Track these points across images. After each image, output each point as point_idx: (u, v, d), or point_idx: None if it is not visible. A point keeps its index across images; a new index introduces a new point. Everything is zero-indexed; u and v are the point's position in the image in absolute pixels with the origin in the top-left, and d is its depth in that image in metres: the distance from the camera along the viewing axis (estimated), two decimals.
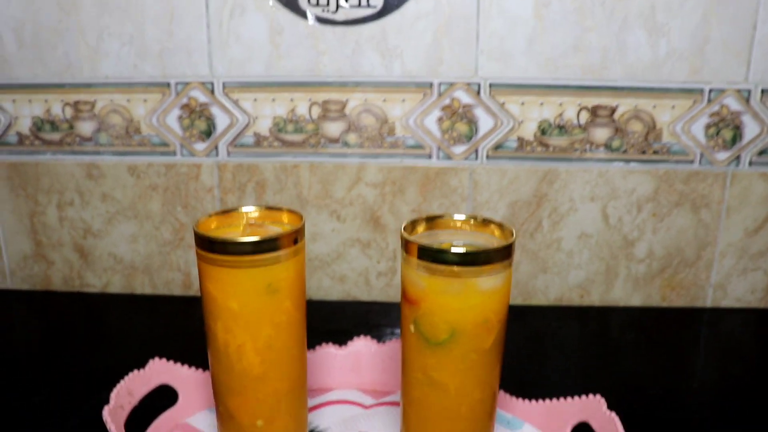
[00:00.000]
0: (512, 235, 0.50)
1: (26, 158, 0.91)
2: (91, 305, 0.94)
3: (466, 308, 0.48)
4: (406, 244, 0.49)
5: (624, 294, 0.91)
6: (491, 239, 0.52)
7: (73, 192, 0.91)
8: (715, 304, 0.92)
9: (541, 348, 0.82)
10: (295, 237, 0.50)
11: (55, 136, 0.89)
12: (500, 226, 0.52)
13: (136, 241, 0.93)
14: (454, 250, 0.47)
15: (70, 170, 0.90)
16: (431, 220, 0.53)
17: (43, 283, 0.97)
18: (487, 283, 0.48)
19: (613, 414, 0.58)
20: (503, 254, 0.48)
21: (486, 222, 0.53)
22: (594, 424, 0.60)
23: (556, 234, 0.89)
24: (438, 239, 0.53)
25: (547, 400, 0.64)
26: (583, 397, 0.61)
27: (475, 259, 0.47)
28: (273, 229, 0.52)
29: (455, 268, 0.47)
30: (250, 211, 0.55)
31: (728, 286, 0.91)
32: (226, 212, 0.54)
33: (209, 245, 0.49)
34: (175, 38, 0.84)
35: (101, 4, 0.83)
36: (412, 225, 0.52)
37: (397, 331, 0.84)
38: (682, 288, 0.91)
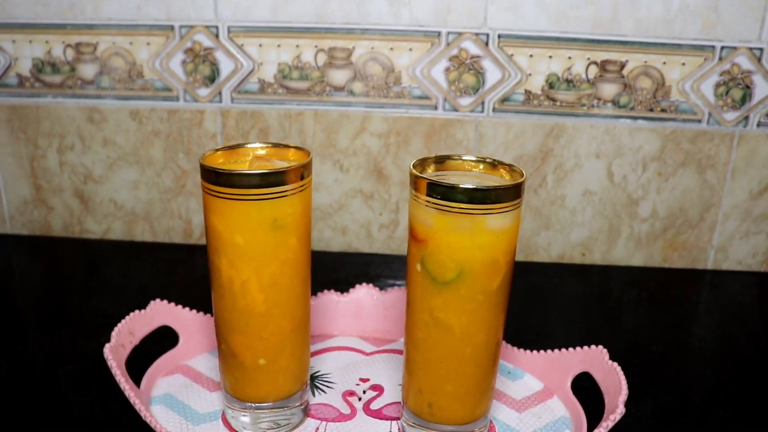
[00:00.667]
0: (522, 175, 0.49)
1: (26, 101, 0.89)
2: (91, 251, 0.93)
3: (474, 247, 0.47)
4: (415, 181, 0.48)
5: (626, 253, 0.91)
6: (501, 181, 0.51)
7: (74, 136, 0.90)
8: (716, 267, 0.92)
9: (542, 303, 0.82)
10: (302, 172, 0.50)
11: (56, 79, 0.88)
12: (510, 168, 0.52)
13: (137, 187, 0.92)
14: (463, 186, 0.46)
15: (71, 114, 0.89)
16: (441, 161, 0.53)
17: (43, 229, 0.96)
18: (496, 222, 0.47)
19: (615, 364, 0.58)
20: (513, 193, 0.47)
21: (495, 164, 0.52)
22: (596, 375, 0.60)
23: (560, 190, 0.88)
24: (447, 179, 0.52)
25: (549, 351, 0.64)
26: (585, 348, 0.61)
27: (485, 197, 0.46)
28: (280, 164, 0.51)
29: (464, 206, 0.46)
30: (257, 146, 0.54)
31: (730, 248, 0.90)
32: (232, 147, 0.53)
33: (215, 178, 0.48)
34: None
35: None
36: (422, 164, 0.52)
37: (399, 282, 0.84)
38: (684, 249, 0.91)
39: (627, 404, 0.54)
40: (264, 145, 0.54)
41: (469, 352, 0.51)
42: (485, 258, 0.48)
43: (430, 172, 0.52)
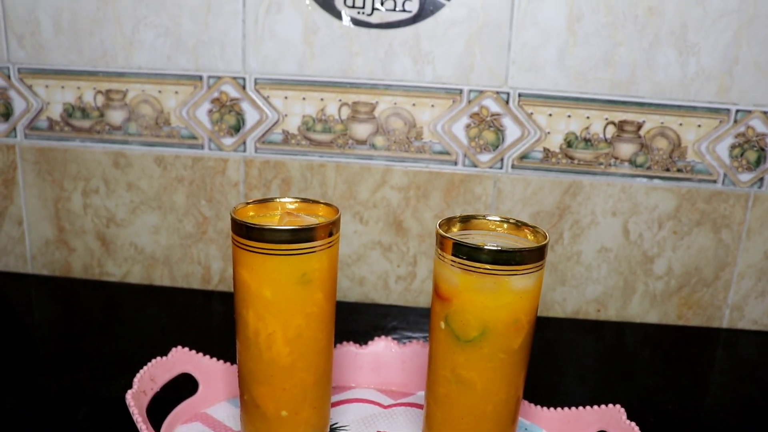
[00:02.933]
0: (545, 238, 0.50)
1: (55, 144, 0.91)
2: (109, 294, 0.94)
3: (497, 307, 0.48)
4: (441, 241, 0.50)
5: (641, 310, 0.92)
6: (523, 242, 0.53)
7: (99, 180, 0.92)
8: (731, 325, 0.92)
9: (558, 359, 0.82)
10: (331, 229, 0.51)
11: (85, 124, 0.90)
12: (533, 229, 0.53)
13: (158, 232, 0.94)
14: (489, 248, 0.47)
15: (97, 158, 0.91)
16: (466, 220, 0.54)
17: (63, 270, 0.97)
18: (519, 282, 0.48)
19: (633, 424, 0.58)
20: (537, 255, 0.48)
21: (519, 225, 0.54)
22: None
23: (576, 247, 0.89)
24: (472, 239, 0.53)
25: (566, 409, 0.64)
26: (603, 406, 0.61)
27: (510, 258, 0.47)
28: (309, 220, 0.53)
29: (489, 267, 0.47)
30: (287, 201, 0.55)
31: (745, 307, 0.91)
32: (262, 201, 0.55)
33: (246, 232, 0.49)
34: (211, 32, 0.85)
35: None
36: (447, 223, 0.53)
37: (415, 335, 0.84)
38: (698, 307, 0.91)
39: None
40: (294, 200, 0.55)
41: (489, 409, 0.52)
42: (508, 317, 0.49)
43: (456, 231, 0.54)
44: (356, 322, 0.88)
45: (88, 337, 0.82)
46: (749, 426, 0.70)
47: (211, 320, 0.89)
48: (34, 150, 0.92)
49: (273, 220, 0.54)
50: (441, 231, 0.50)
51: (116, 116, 0.90)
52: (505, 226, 0.54)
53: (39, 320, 0.88)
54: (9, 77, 0.89)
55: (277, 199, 0.55)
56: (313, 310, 0.52)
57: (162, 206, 0.92)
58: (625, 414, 0.59)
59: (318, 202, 0.55)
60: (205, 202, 0.91)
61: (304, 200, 0.56)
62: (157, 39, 0.86)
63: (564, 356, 0.83)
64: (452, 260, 0.49)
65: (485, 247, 0.47)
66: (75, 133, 0.91)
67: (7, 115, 0.91)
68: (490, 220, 0.54)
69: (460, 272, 0.48)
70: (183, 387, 0.65)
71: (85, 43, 0.87)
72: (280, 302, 0.51)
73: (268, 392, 0.53)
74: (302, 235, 0.49)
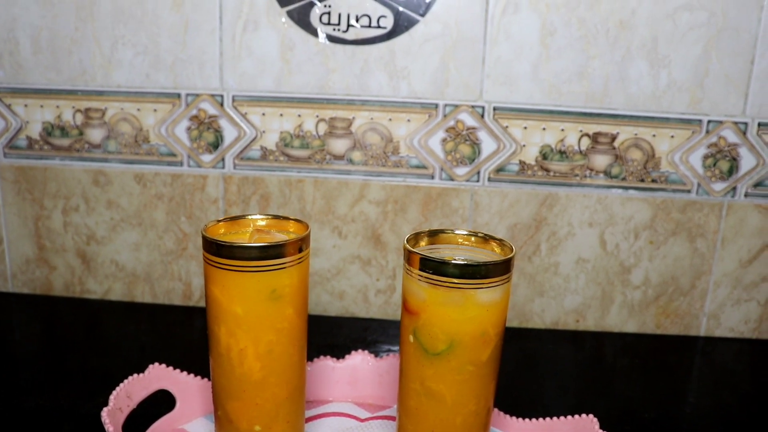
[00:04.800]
0: (512, 250, 0.51)
1: (34, 162, 0.92)
2: (91, 311, 0.95)
3: (465, 320, 0.49)
4: (408, 256, 0.50)
5: (619, 320, 0.92)
6: (491, 255, 0.53)
7: (79, 198, 0.93)
8: (708, 333, 0.93)
9: (537, 370, 0.83)
10: (301, 245, 0.52)
11: (65, 142, 0.91)
12: (500, 242, 0.53)
13: (139, 249, 0.94)
14: (455, 262, 0.48)
15: (77, 176, 0.92)
16: (433, 235, 0.55)
17: (44, 288, 0.97)
18: (486, 296, 0.49)
19: None
20: (503, 268, 0.49)
21: (486, 238, 0.54)
22: None
23: (554, 258, 0.90)
24: (439, 253, 0.54)
25: (540, 419, 0.65)
26: (576, 416, 0.62)
27: (475, 272, 0.48)
28: (279, 237, 0.53)
29: (456, 280, 0.48)
30: (258, 218, 0.56)
31: (722, 315, 0.92)
32: (234, 219, 0.55)
33: (216, 249, 0.50)
34: (188, 50, 0.86)
35: (117, 13, 0.85)
36: (415, 238, 0.54)
37: (395, 348, 0.85)
38: (676, 316, 0.92)
39: None
40: (264, 217, 0.56)
41: (459, 421, 0.52)
42: (475, 330, 0.50)
43: (423, 246, 0.54)
44: (336, 336, 0.88)
45: (68, 355, 0.82)
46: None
47: (191, 336, 0.89)
48: (13, 169, 0.92)
49: (243, 237, 0.55)
50: (408, 246, 0.51)
51: (95, 134, 0.90)
52: (473, 239, 0.55)
53: (20, 339, 0.88)
54: None
55: (249, 216, 0.56)
56: (284, 326, 0.53)
57: (142, 223, 0.93)
58: (598, 424, 0.60)
59: (288, 219, 0.56)
60: (185, 218, 0.92)
61: (275, 217, 0.56)
62: (135, 57, 0.87)
63: (543, 367, 0.84)
64: (419, 275, 0.49)
65: (451, 261, 0.48)
66: (54, 151, 0.91)
67: None
68: (458, 234, 0.55)
69: (427, 286, 0.49)
70: (161, 403, 0.66)
71: (63, 62, 0.87)
72: (251, 318, 0.51)
73: (241, 407, 0.54)
74: (271, 251, 0.50)
